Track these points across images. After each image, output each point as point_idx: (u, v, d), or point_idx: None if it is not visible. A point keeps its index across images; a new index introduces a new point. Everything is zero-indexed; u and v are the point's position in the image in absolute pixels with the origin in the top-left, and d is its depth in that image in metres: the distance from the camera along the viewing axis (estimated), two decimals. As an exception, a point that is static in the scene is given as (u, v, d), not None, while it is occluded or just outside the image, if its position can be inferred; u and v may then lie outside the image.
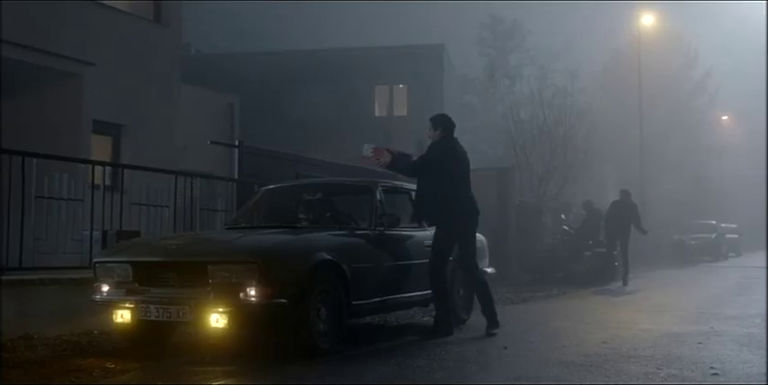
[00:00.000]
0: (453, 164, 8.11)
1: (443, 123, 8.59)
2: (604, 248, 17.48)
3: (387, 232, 7.62)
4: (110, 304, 6.69)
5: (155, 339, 6.83)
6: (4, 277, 7.02)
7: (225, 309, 6.09)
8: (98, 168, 8.52)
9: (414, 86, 26.59)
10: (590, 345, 7.16)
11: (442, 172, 7.92)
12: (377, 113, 27.42)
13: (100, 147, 14.57)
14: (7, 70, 12.41)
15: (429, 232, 8.38)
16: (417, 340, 7.67)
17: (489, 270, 9.80)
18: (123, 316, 6.57)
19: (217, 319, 6.11)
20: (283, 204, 8.51)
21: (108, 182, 9.41)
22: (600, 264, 17.24)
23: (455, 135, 8.58)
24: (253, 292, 6.06)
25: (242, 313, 6.12)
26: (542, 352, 6.88)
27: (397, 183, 9.04)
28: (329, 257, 6.63)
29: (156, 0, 16.03)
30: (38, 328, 7.06)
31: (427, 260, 8.12)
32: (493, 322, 8.04)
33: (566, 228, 18.10)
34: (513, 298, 12.93)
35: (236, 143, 10.29)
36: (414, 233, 8.23)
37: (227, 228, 8.01)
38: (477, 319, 9.13)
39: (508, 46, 36.05)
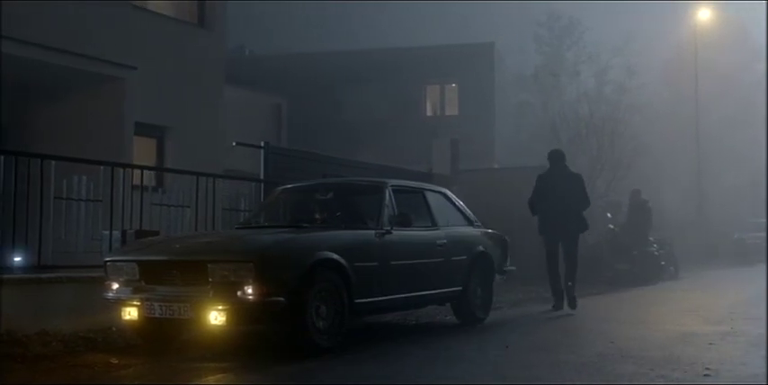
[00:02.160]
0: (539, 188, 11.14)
1: (548, 157, 11.48)
2: (652, 247, 17.26)
3: (396, 231, 7.66)
4: (119, 302, 6.90)
5: (163, 336, 7.00)
6: (22, 276, 7.29)
7: (223, 307, 6.24)
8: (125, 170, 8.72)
9: (464, 85, 26.55)
10: (596, 345, 7.12)
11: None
12: (427, 113, 27.45)
13: (144, 149, 14.95)
14: (52, 75, 12.86)
15: (441, 232, 8.45)
16: (425, 339, 7.72)
17: (512, 268, 9.79)
18: (131, 313, 6.77)
19: (216, 317, 6.26)
20: (296, 204, 8.64)
21: (150, 182, 9.74)
22: (647, 263, 17.02)
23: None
24: (250, 291, 6.19)
25: (240, 311, 6.26)
26: (543, 351, 6.87)
27: (411, 183, 9.07)
28: (330, 256, 6.72)
29: (201, 1, 16.38)
30: (54, 325, 7.28)
31: (440, 259, 8.21)
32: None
33: (611, 226, 17.90)
34: (549, 297, 12.86)
35: (262, 144, 10.42)
36: (426, 232, 8.28)
37: (237, 228, 8.18)
38: (493, 319, 9.19)
39: (565, 43, 35.64)
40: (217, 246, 6.85)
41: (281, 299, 6.27)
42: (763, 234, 30.10)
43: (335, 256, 6.77)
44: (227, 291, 6.26)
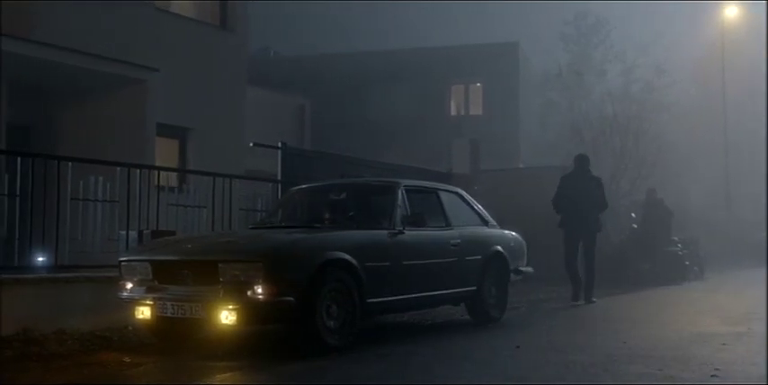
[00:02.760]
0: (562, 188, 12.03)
1: (574, 160, 12.42)
2: (675, 247, 17.14)
3: (408, 231, 7.69)
4: (133, 301, 6.99)
5: (176, 335, 7.07)
6: (39, 275, 7.41)
7: (234, 307, 6.30)
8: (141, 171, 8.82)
9: (489, 85, 26.50)
10: (608, 345, 7.11)
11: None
12: (452, 113, 27.43)
13: (166, 150, 15.11)
14: (76, 77, 13.03)
15: (455, 231, 8.47)
16: (437, 338, 7.74)
17: (528, 269, 9.76)
18: (144, 312, 6.86)
19: (227, 316, 6.33)
20: (310, 204, 8.69)
21: (167, 183, 9.86)
22: (670, 263, 16.90)
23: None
24: (260, 290, 6.24)
25: (250, 310, 6.32)
26: (553, 351, 6.85)
27: (425, 183, 9.09)
28: (341, 256, 6.76)
29: (223, 0, 16.51)
30: (71, 324, 7.39)
31: (453, 259, 8.24)
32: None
33: (635, 226, 17.80)
34: (569, 297, 12.83)
35: (279, 145, 10.49)
36: (439, 232, 8.30)
37: (251, 228, 8.25)
38: (509, 319, 9.19)
39: (592, 42, 35.45)
40: (227, 246, 6.92)
41: (291, 298, 6.33)
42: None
43: (346, 256, 6.81)
44: (237, 291, 6.32)
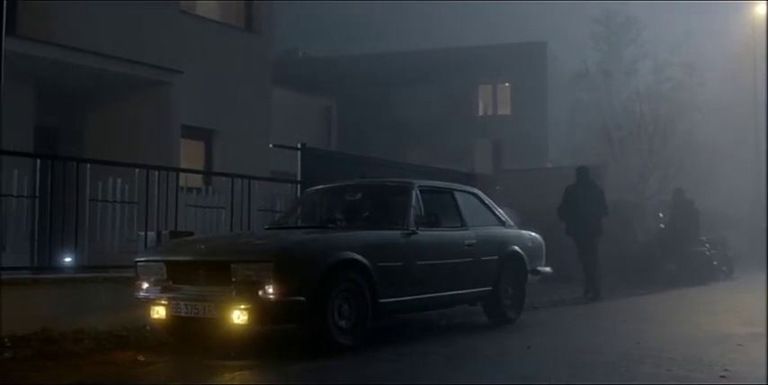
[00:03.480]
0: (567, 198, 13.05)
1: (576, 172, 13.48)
2: (703, 247, 17.00)
3: (422, 232, 7.72)
4: (148, 301, 7.08)
5: (191, 334, 7.13)
6: (58, 276, 7.54)
7: (246, 307, 6.37)
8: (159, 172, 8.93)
9: (517, 85, 26.42)
10: (622, 345, 7.09)
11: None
12: (480, 113, 27.39)
13: (192, 152, 15.27)
14: (101, 80, 13.21)
15: (471, 232, 8.48)
16: (451, 338, 7.75)
17: (546, 269, 9.74)
18: (159, 312, 6.95)
19: (238, 316, 6.40)
20: (325, 205, 8.75)
21: (186, 184, 9.99)
22: (698, 263, 16.76)
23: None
24: (270, 290, 6.31)
25: (261, 310, 6.38)
26: (565, 352, 6.85)
27: (440, 184, 9.11)
28: (352, 256, 6.81)
29: (247, 0, 16.63)
30: (89, 323, 7.51)
31: (469, 259, 8.25)
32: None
33: (662, 226, 17.67)
34: (591, 297, 12.78)
35: (299, 146, 10.55)
36: (454, 232, 8.32)
37: (266, 229, 8.32)
38: (527, 319, 9.18)
39: (622, 41, 35.22)
40: (239, 246, 7.00)
41: (302, 298, 6.39)
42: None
43: (357, 256, 6.85)
44: (248, 291, 6.39)
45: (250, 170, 11.86)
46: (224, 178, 9.62)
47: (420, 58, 26.91)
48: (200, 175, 13.26)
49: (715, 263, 17.02)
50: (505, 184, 14.53)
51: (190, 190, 10.41)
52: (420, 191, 8.10)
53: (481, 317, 9.29)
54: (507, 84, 27.21)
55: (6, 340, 6.71)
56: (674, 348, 6.89)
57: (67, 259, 8.67)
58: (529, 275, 9.26)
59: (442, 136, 23.28)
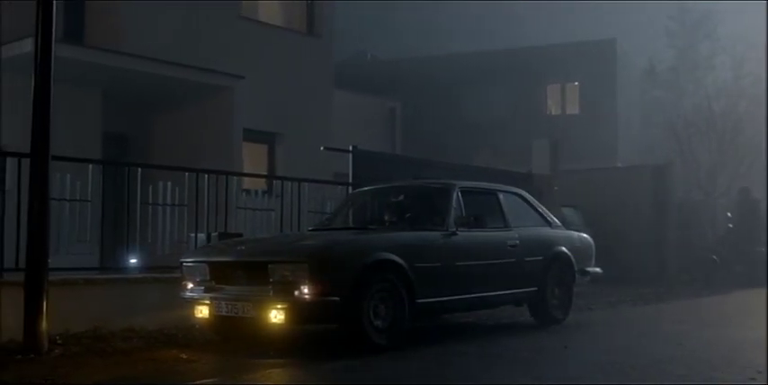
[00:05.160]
0: None
1: None
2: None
3: (462, 232, 7.77)
4: (192, 300, 7.31)
5: (235, 332, 7.34)
6: (110, 276, 7.85)
7: (282, 306, 6.53)
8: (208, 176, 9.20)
9: (586, 83, 26.09)
10: (660, 348, 7.05)
11: None
12: (549, 112, 27.13)
13: (255, 155, 15.59)
14: (165, 87, 13.61)
15: (514, 232, 8.49)
16: (491, 339, 7.78)
17: (596, 270, 9.68)
18: (203, 311, 7.17)
19: (275, 315, 6.56)
20: (368, 206, 8.89)
21: (239, 186, 10.27)
22: (760, 264, 16.36)
23: None
24: (306, 290, 6.46)
25: (297, 309, 6.53)
26: (602, 353, 6.83)
27: (483, 184, 9.12)
28: (388, 257, 6.91)
29: (309, 1, 16.89)
30: (140, 322, 7.80)
31: (512, 260, 8.26)
32: None
33: (731, 226, 17.30)
34: (652, 298, 12.66)
35: (350, 148, 10.70)
36: (496, 233, 8.34)
37: (310, 230, 8.49)
38: (576, 320, 9.15)
39: (697, 36, 34.50)
40: (277, 247, 7.18)
41: (336, 298, 6.51)
42: None
43: (394, 257, 6.95)
44: (285, 291, 6.55)
45: (312, 172, 12.12)
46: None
47: (487, 59, 26.81)
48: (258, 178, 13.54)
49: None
50: (565, 185, 14.42)
51: (247, 192, 10.70)
52: (462, 192, 8.16)
53: (529, 318, 9.30)
54: (576, 83, 26.87)
55: (58, 338, 7.02)
56: (714, 350, 6.83)
57: (133, 260, 9.02)
58: (577, 276, 9.22)
59: (509, 136, 23.18)
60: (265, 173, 15.22)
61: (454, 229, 7.72)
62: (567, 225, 13.44)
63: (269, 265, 6.69)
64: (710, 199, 19.13)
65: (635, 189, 17.31)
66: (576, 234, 9.61)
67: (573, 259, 9.10)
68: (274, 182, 12.15)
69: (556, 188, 13.65)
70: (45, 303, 6.55)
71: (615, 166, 21.73)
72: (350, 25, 29.90)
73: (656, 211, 17.12)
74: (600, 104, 25.35)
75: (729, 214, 17.83)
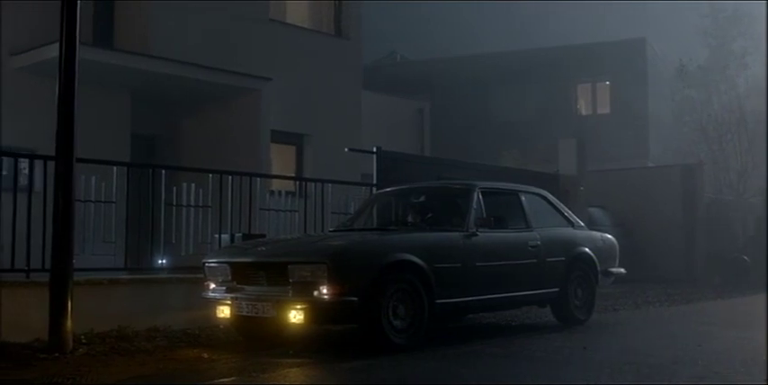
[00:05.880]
0: None
1: None
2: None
3: (483, 233, 7.79)
4: (214, 300, 7.41)
5: (257, 332, 7.42)
6: (134, 276, 7.97)
7: (302, 306, 6.61)
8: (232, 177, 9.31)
9: (617, 83, 25.93)
10: (681, 348, 7.01)
11: None
12: (579, 112, 26.99)
13: (284, 156, 15.71)
14: (193, 89, 13.77)
15: (535, 233, 8.49)
16: (510, 339, 7.78)
17: (620, 270, 9.64)
18: (224, 311, 7.27)
19: (295, 315, 6.65)
20: (389, 207, 8.93)
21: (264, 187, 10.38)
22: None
23: None
24: (324, 290, 6.53)
25: (316, 310, 6.61)
26: (620, 353, 6.82)
27: (505, 185, 9.12)
28: (406, 257, 6.95)
29: (338, 1, 16.98)
30: (164, 322, 7.92)
31: (533, 261, 8.27)
32: None
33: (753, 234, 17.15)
34: (680, 298, 12.57)
35: (374, 149, 10.76)
36: (517, 234, 8.35)
37: (331, 231, 8.56)
38: (600, 321, 9.13)
39: (731, 34, 34.11)
40: (297, 248, 7.26)
41: (355, 298, 6.57)
42: None
43: (412, 258, 6.99)
44: (304, 291, 6.63)
45: (340, 173, 12.22)
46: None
47: (517, 59, 26.74)
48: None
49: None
50: (594, 185, 14.37)
51: (271, 193, 10.80)
52: (482, 192, 8.18)
53: (553, 319, 9.29)
54: (607, 82, 26.74)
55: (82, 337, 7.14)
56: (735, 351, 6.78)
57: (162, 261, 9.15)
58: (600, 277, 9.19)
59: (540, 136, 23.06)
60: (294, 174, 15.34)
61: (474, 230, 7.75)
62: (594, 225, 13.42)
63: (288, 266, 6.76)
64: (741, 199, 18.92)
65: (664, 189, 17.20)
66: (598, 234, 9.59)
67: (596, 260, 9.08)
68: (301, 183, 12.31)
69: (582, 188, 13.60)
70: (70, 303, 6.67)
71: (644, 166, 21.60)
72: (381, 26, 29.99)
73: (685, 211, 17.01)
74: (631, 104, 25.18)
75: (757, 217, 17.67)
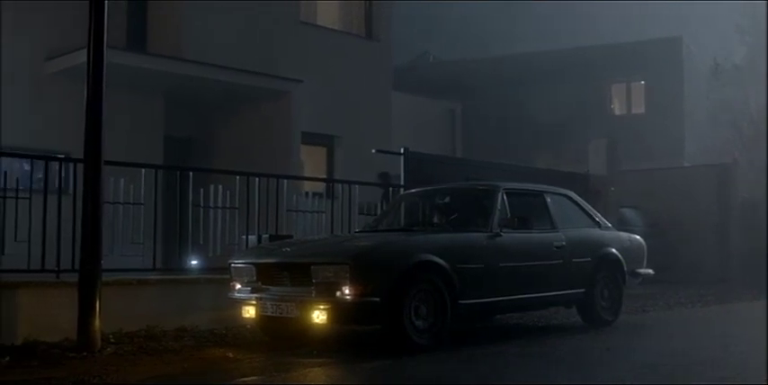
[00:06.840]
0: None
1: None
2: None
3: (507, 234, 7.79)
4: (240, 301, 7.50)
5: (283, 332, 7.48)
6: (162, 276, 8.10)
7: (324, 307, 6.68)
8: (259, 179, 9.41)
9: (652, 82, 25.70)
10: (707, 350, 6.98)
11: None
12: (613, 112, 26.79)
13: (315, 158, 15.81)
14: (226, 91, 13.93)
15: (560, 234, 8.48)
16: (534, 340, 7.78)
17: (648, 271, 9.59)
18: (249, 311, 7.36)
19: (318, 315, 6.71)
20: (414, 208, 8.96)
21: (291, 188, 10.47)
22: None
23: None
24: (347, 291, 6.58)
25: (339, 310, 6.67)
26: (641, 355, 6.78)
27: (530, 186, 9.10)
28: (429, 258, 6.99)
29: (368, 1, 17.05)
30: (192, 322, 8.03)
31: (558, 261, 8.26)
32: None
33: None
34: (712, 299, 12.47)
35: (402, 150, 10.80)
36: (542, 234, 8.35)
37: (357, 232, 8.62)
38: (628, 322, 9.09)
39: (768, 32, 33.62)
40: (321, 249, 7.33)
41: (377, 299, 6.62)
42: None
43: (435, 259, 7.02)
44: (327, 292, 6.68)
45: (370, 175, 12.29)
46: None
47: (551, 58, 26.59)
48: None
49: None
50: (628, 185, 14.28)
51: (299, 194, 10.88)
52: (507, 193, 8.18)
53: (580, 320, 9.27)
54: (642, 82, 26.50)
55: (111, 337, 7.27)
56: (763, 353, 6.70)
57: (194, 262, 9.28)
58: (627, 277, 9.15)
59: (573, 136, 22.95)
60: (325, 175, 15.45)
61: (498, 231, 7.75)
62: (626, 225, 13.35)
63: (311, 267, 6.83)
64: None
65: (699, 189, 17.07)
66: (626, 235, 9.55)
67: (622, 260, 9.03)
68: (329, 184, 12.41)
69: (613, 189, 13.52)
70: (98, 303, 6.79)
71: (679, 166, 21.41)
72: (413, 27, 30.03)
73: (720, 211, 16.86)
74: (666, 103, 24.95)
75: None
